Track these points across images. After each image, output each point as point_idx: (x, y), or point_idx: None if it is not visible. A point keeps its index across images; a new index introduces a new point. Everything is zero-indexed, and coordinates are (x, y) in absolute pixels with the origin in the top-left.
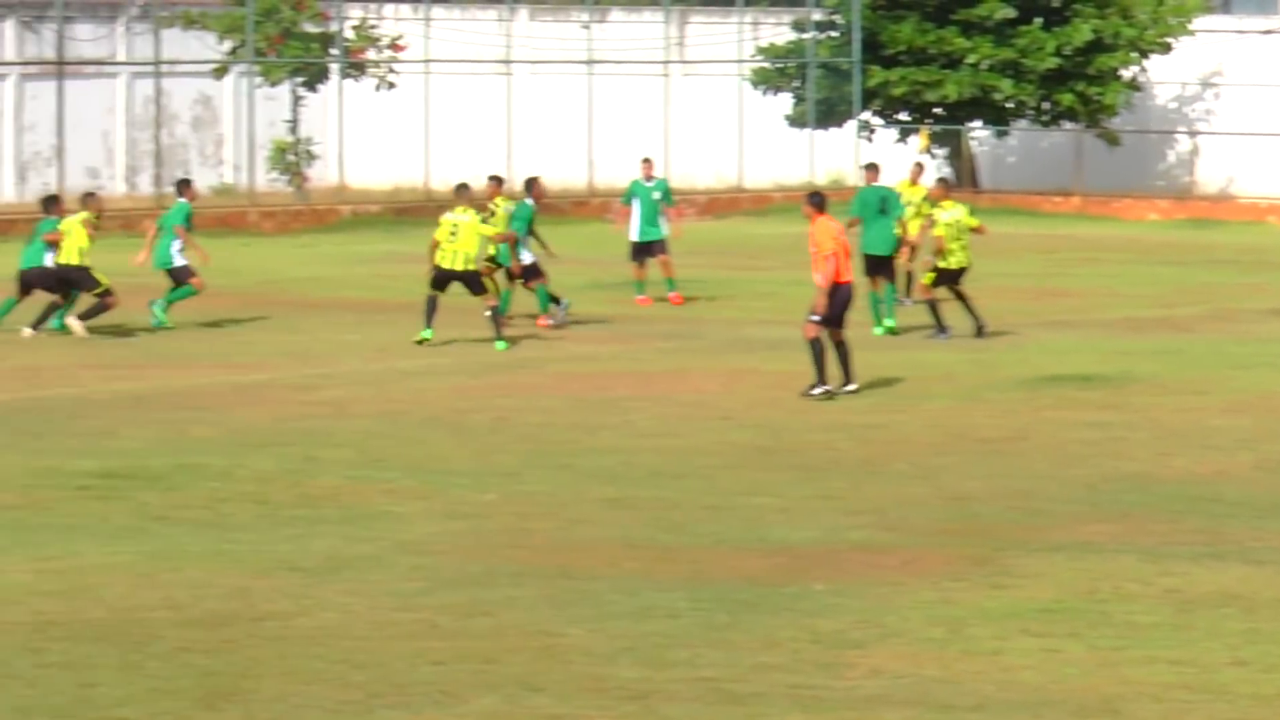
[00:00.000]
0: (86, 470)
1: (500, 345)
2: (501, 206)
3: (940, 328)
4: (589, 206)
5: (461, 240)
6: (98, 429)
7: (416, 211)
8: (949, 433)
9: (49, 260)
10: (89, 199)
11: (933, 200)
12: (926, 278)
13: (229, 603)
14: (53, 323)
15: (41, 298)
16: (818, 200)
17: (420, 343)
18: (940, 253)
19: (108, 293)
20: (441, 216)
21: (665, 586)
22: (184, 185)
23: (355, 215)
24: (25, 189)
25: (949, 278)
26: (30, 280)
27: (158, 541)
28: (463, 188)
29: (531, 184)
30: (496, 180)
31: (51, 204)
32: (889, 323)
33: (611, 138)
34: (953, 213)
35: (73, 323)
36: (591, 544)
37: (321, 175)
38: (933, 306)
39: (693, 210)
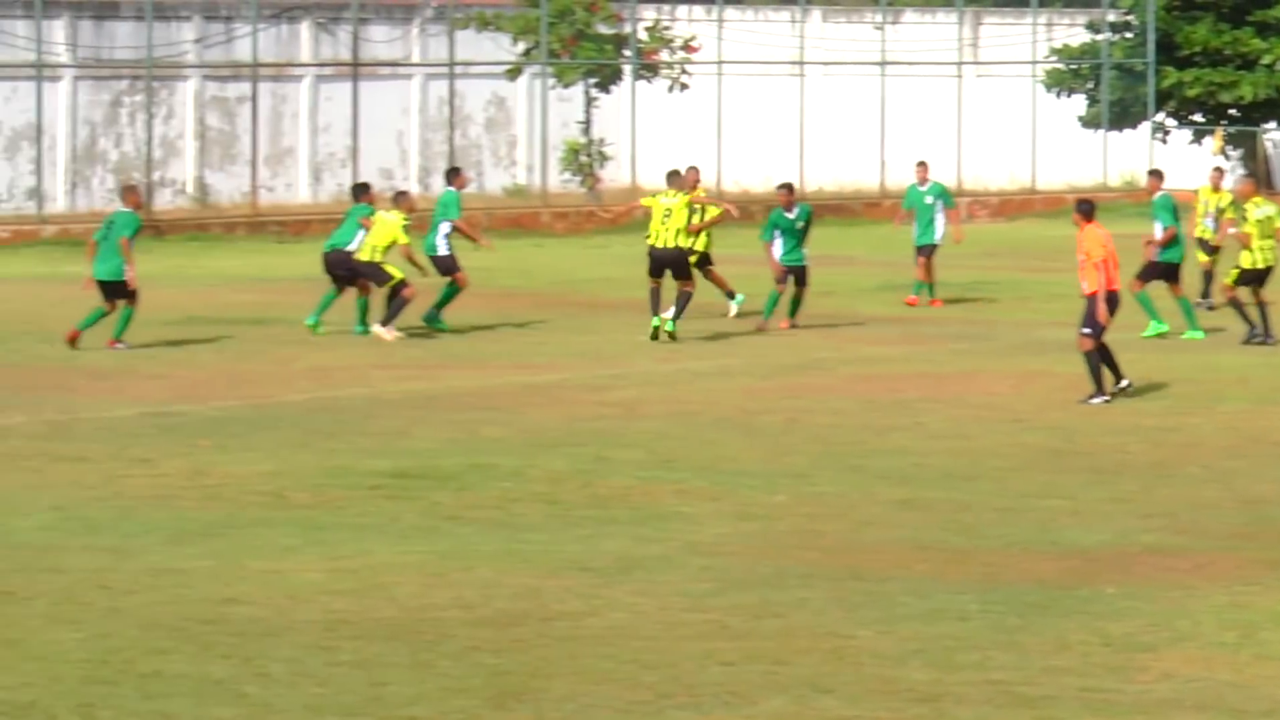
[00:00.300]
0: (379, 470)
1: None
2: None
3: (1254, 329)
4: (880, 208)
5: (674, 220)
6: (390, 429)
7: None
8: (1243, 436)
9: (355, 244)
10: (401, 198)
11: (1241, 198)
12: (1229, 277)
13: (519, 602)
14: (355, 329)
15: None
16: (1086, 208)
17: (655, 335)
18: (1245, 250)
19: (403, 284)
20: (654, 199)
21: (955, 589)
22: (454, 174)
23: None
24: (320, 190)
25: (1252, 278)
26: (330, 262)
27: (449, 541)
28: (674, 174)
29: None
30: (694, 171)
31: (362, 191)
32: (1161, 327)
33: (903, 139)
34: (1264, 210)
35: (380, 332)
36: (881, 546)
37: (614, 176)
38: (1238, 307)
39: (985, 212)
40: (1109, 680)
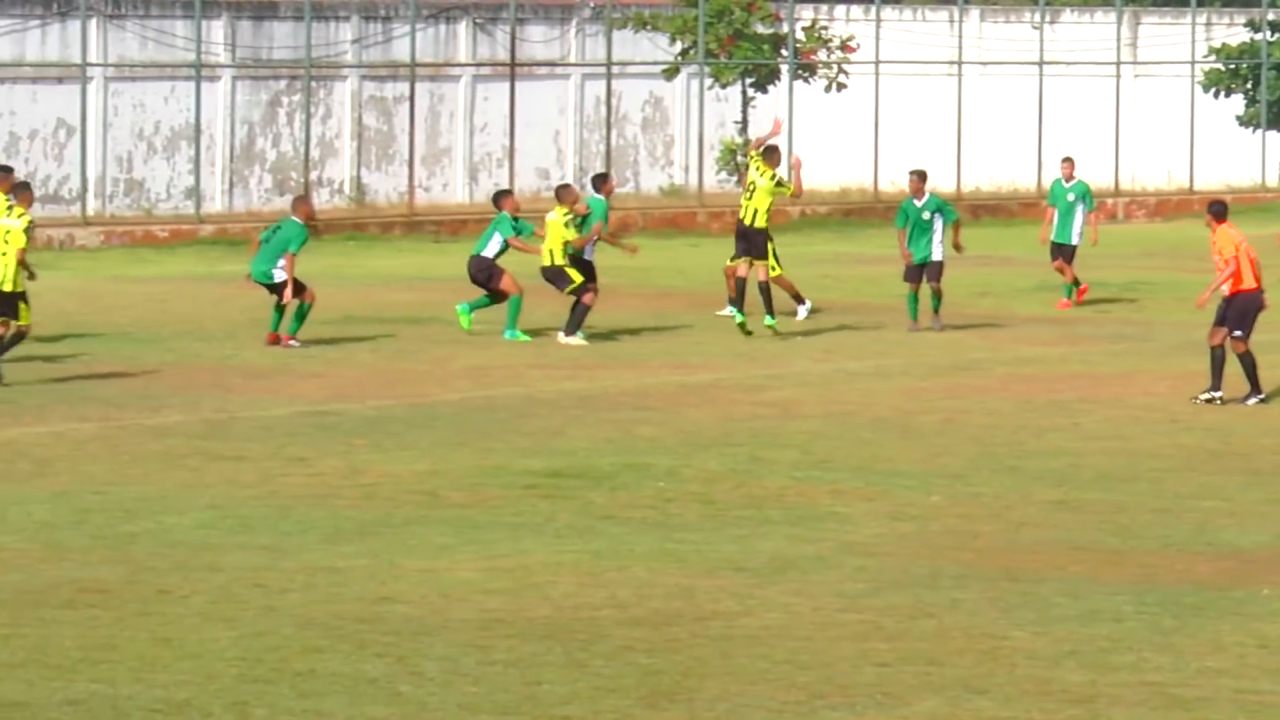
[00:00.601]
0: (534, 469)
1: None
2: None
3: None
4: (1037, 208)
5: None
6: (545, 428)
7: (865, 213)
8: None
9: (491, 251)
10: (564, 192)
11: None
12: None
13: (673, 602)
14: (505, 333)
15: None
16: (1219, 209)
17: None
18: None
19: (584, 289)
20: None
21: (1111, 590)
22: (601, 180)
23: (804, 216)
24: (476, 189)
25: None
26: (469, 269)
27: (603, 540)
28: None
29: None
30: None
31: (502, 197)
32: None
33: (1060, 139)
34: None
35: (566, 340)
36: (1037, 547)
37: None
38: None
39: (1142, 212)
40: (1265, 682)
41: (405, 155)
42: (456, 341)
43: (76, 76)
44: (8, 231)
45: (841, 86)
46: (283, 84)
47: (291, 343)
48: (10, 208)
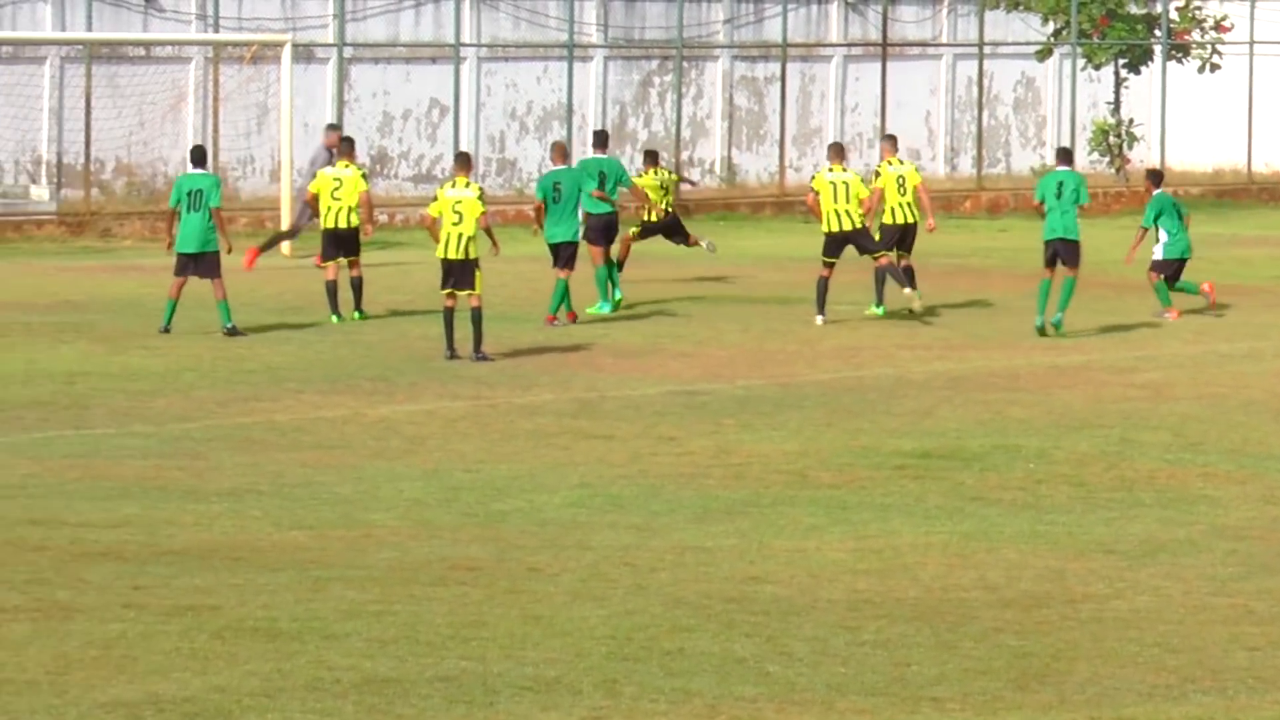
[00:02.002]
0: (904, 450)
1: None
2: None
3: None
4: None
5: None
6: (915, 409)
7: (1238, 194)
8: None
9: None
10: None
11: None
12: None
13: (1043, 584)
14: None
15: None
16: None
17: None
18: None
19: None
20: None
21: None
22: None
23: (1177, 197)
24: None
25: None
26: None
27: (973, 522)
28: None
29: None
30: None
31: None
32: None
33: None
34: None
35: (909, 295)
36: None
37: (1142, 157)
38: None
39: None
40: None
41: (776, 135)
42: (827, 321)
43: (450, 56)
44: (458, 202)
45: (1215, 67)
46: (654, 64)
47: (555, 322)
48: (468, 183)
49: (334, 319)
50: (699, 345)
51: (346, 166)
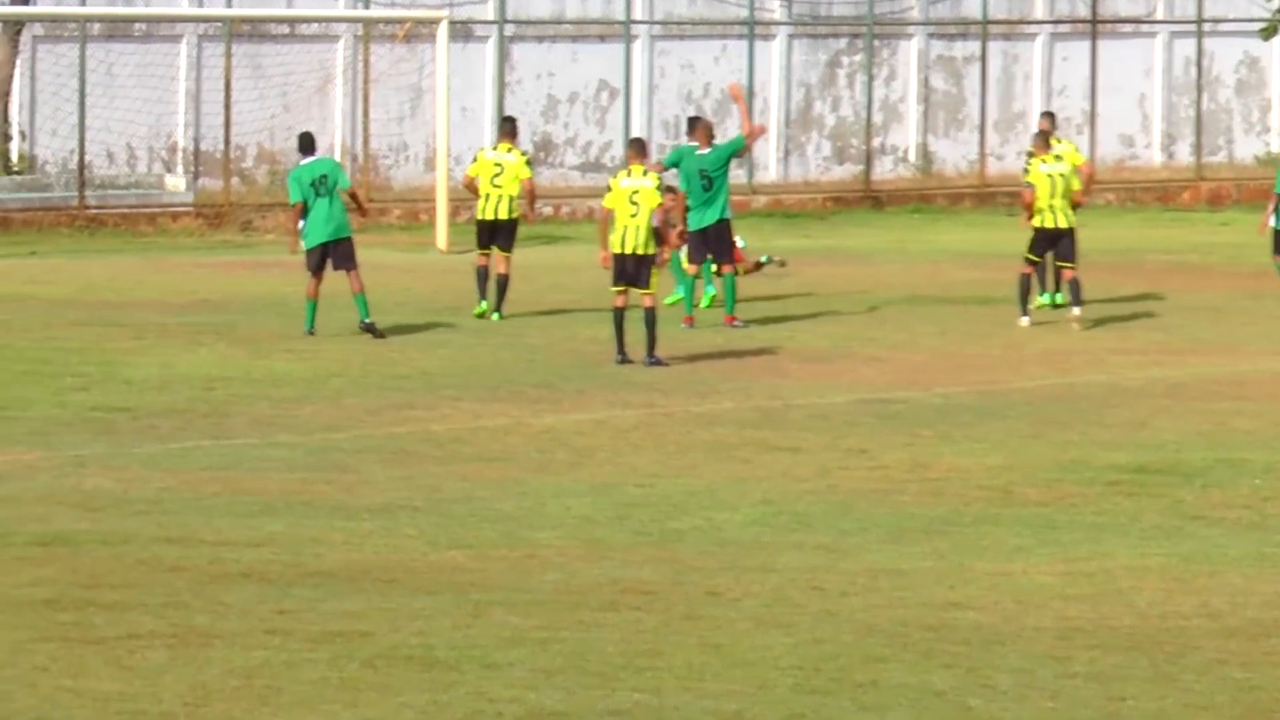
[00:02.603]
0: (1117, 464)
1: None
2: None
3: None
4: None
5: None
6: (1129, 419)
7: None
8: None
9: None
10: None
11: None
12: None
13: (1271, 611)
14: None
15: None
16: None
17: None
18: None
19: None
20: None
21: None
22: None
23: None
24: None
25: None
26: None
27: (1193, 543)
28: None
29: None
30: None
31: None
32: None
33: None
34: None
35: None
36: None
37: None
38: None
39: None
40: None
41: (976, 120)
42: (1034, 323)
43: (620, 35)
44: (635, 192)
45: None
46: (843, 43)
47: (736, 323)
48: (645, 171)
49: (482, 305)
50: (892, 349)
51: (509, 150)
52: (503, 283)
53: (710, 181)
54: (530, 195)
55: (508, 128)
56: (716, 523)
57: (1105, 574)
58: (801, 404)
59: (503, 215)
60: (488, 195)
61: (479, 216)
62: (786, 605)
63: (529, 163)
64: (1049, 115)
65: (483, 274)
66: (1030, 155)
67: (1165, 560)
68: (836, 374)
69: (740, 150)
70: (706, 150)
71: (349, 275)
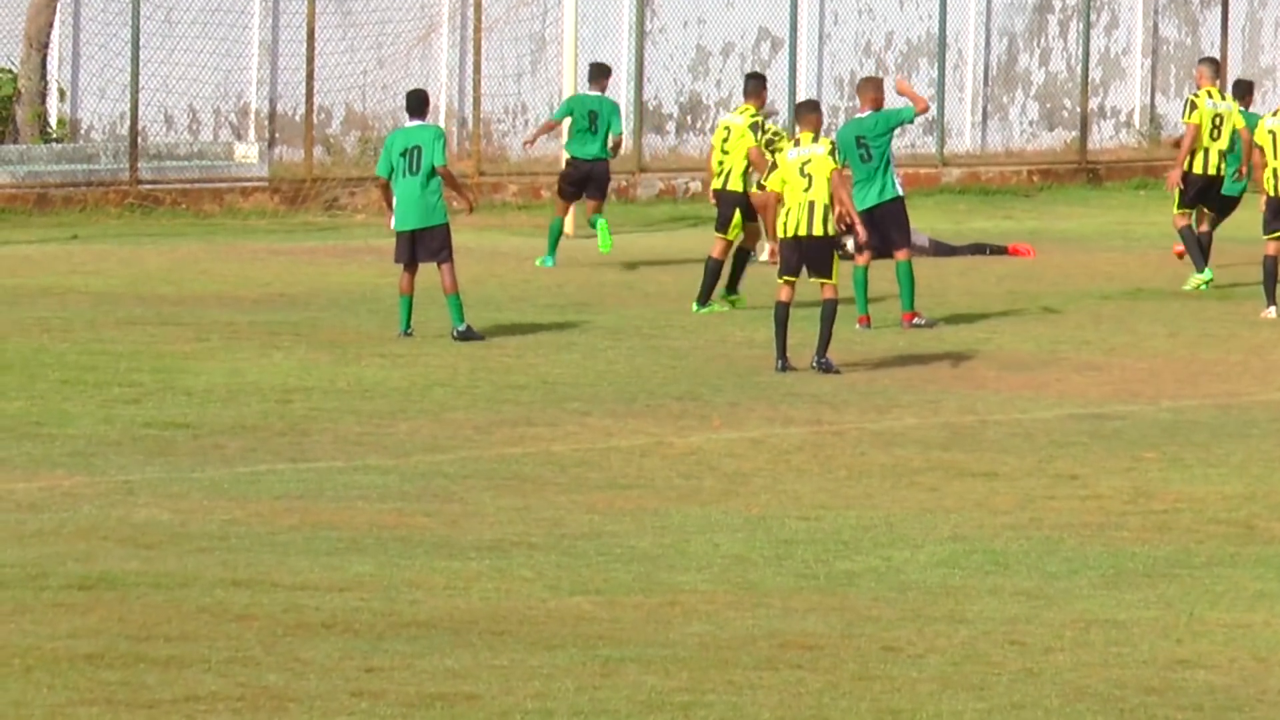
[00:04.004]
0: None
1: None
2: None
3: None
4: None
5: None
6: None
7: None
8: None
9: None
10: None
11: None
12: None
13: None
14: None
15: None
16: None
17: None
18: None
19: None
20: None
21: None
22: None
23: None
24: None
25: None
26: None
27: None
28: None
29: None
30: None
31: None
32: None
33: None
34: None
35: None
36: None
37: None
38: None
39: None
40: None
41: None
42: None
43: None
44: (806, 162)
45: None
46: None
47: (918, 320)
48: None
49: (729, 299)
50: (1110, 354)
51: (741, 113)
52: (741, 258)
53: (868, 152)
54: (760, 163)
55: (753, 86)
56: (896, 563)
57: None
58: (1000, 420)
59: (736, 188)
60: (719, 163)
61: (715, 188)
62: (979, 663)
63: (753, 126)
64: (1211, 62)
65: (714, 267)
66: (1191, 105)
67: None
68: (1043, 384)
69: (908, 120)
70: (866, 114)
71: (440, 270)
